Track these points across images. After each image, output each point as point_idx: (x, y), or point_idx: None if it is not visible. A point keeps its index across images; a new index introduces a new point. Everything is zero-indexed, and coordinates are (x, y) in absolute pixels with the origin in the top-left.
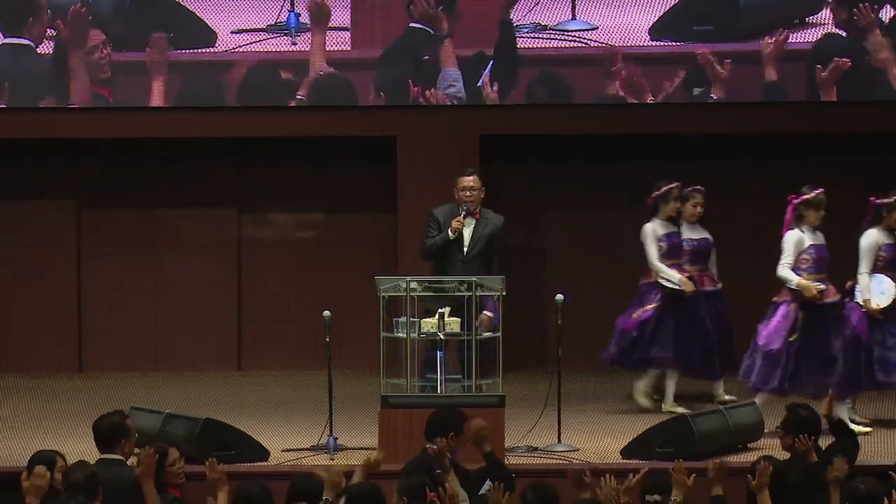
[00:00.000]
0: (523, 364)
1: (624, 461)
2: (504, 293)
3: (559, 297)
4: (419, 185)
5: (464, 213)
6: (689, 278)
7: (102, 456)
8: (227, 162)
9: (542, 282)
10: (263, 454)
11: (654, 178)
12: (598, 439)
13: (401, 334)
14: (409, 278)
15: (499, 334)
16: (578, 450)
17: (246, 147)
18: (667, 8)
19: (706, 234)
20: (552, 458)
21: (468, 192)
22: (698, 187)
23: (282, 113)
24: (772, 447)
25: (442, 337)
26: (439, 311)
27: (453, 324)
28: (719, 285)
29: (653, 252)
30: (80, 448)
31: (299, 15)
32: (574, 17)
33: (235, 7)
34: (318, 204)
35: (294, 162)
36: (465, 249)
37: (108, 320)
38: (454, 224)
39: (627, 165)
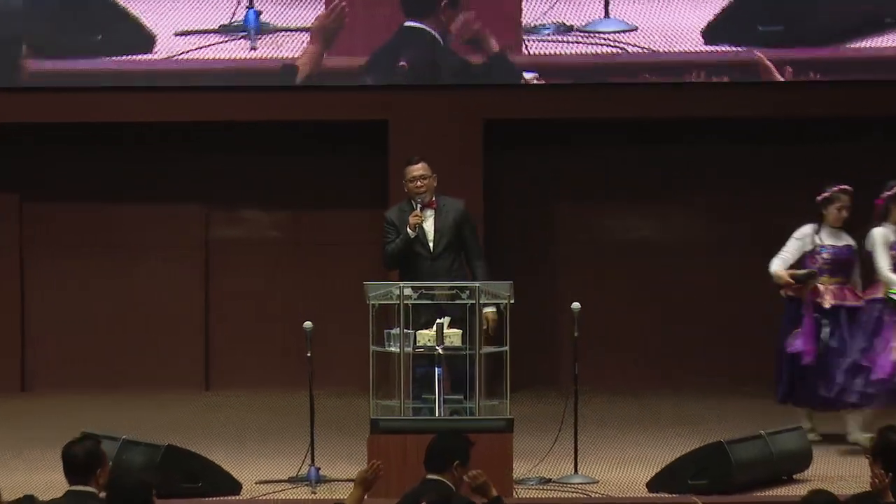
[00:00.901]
0: (532, 382)
1: (650, 495)
2: (511, 300)
3: (575, 305)
4: None
5: (419, 205)
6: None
7: (72, 488)
8: (194, 151)
9: (552, 286)
10: (235, 486)
11: (677, 166)
12: (620, 469)
13: (393, 348)
14: (402, 284)
15: (506, 348)
16: (598, 482)
17: (215, 134)
18: (724, 5)
19: (850, 241)
20: (568, 492)
21: (418, 183)
22: (845, 187)
23: (255, 95)
24: (821, 479)
25: (440, 352)
26: (437, 321)
27: (453, 336)
28: (863, 301)
29: (884, 262)
30: (24, 480)
31: (259, 13)
32: (607, 16)
33: (180, 3)
34: (300, 199)
35: (271, 151)
36: (431, 245)
37: (55, 332)
38: (412, 220)
39: (650, 152)
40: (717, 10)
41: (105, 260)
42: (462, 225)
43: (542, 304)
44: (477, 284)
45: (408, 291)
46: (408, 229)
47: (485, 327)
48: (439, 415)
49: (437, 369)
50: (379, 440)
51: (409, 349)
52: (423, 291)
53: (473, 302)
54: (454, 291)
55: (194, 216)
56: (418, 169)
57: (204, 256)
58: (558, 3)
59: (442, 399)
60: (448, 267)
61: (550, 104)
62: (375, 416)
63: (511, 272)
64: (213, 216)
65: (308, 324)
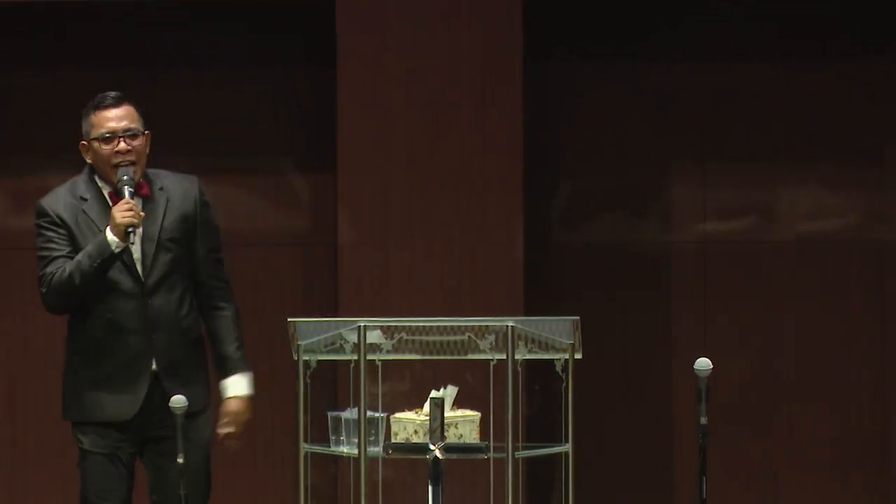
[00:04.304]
0: None
1: None
2: (578, 354)
3: (702, 363)
4: (382, 105)
5: (126, 188)
6: None
7: None
8: None
9: (656, 318)
10: None
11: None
12: None
13: (345, 449)
14: (363, 322)
15: (567, 447)
16: None
17: None
18: None
19: None
20: None
21: (122, 143)
22: None
23: None
24: None
25: (439, 455)
26: (432, 396)
27: (463, 424)
28: None
29: None
30: None
31: None
32: None
33: None
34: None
35: (104, 59)
36: (141, 269)
37: None
38: (120, 217)
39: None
40: None
41: None
42: (196, 225)
43: (635, 355)
44: (510, 323)
45: (375, 336)
46: (109, 235)
47: None
48: None
49: (430, 487)
50: None
51: (378, 449)
52: (406, 336)
53: (503, 357)
54: (467, 336)
55: None
56: (119, 115)
57: None
58: None
59: None
60: (175, 308)
61: None
62: None
63: (572, 292)
64: None
65: (180, 397)
